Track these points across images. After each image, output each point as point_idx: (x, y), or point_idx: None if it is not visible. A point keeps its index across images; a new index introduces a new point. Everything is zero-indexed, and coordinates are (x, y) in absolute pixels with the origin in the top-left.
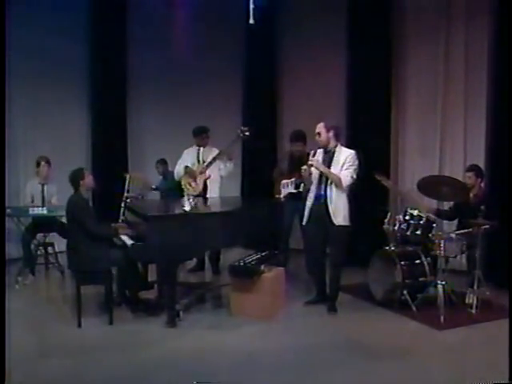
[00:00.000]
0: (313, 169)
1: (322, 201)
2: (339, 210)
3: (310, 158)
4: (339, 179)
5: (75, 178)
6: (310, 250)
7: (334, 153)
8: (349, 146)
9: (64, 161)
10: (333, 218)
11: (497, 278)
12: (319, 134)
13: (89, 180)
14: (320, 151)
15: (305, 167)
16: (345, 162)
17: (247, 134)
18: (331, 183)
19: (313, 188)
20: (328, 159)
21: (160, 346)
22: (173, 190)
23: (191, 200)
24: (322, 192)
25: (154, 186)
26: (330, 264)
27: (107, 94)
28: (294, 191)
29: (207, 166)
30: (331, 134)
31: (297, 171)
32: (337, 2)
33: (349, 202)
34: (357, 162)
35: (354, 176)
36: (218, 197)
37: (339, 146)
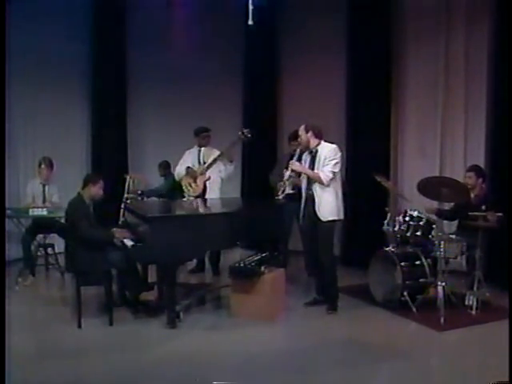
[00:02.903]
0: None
1: (310, 199)
2: (325, 206)
3: (291, 162)
4: (318, 177)
5: (87, 179)
6: (307, 251)
7: (316, 152)
8: (349, 147)
9: (64, 161)
10: (318, 214)
11: (497, 279)
12: (300, 136)
13: (96, 189)
14: (306, 153)
15: (285, 171)
16: (325, 158)
17: (249, 136)
18: (315, 181)
19: (303, 188)
20: (311, 159)
21: (160, 346)
22: (172, 191)
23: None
24: (310, 191)
25: (139, 191)
26: (323, 262)
27: (107, 94)
28: (291, 192)
29: (207, 168)
30: (310, 134)
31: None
32: (337, 2)
33: (337, 196)
34: (339, 155)
35: (336, 170)
36: (217, 198)
37: (322, 143)
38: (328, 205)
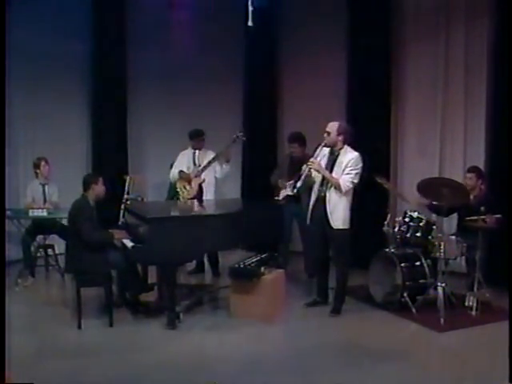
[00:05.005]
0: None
1: (321, 202)
2: (338, 213)
3: (312, 159)
4: (338, 184)
5: (88, 180)
6: (310, 252)
7: (338, 155)
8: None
9: (64, 162)
10: (330, 220)
11: (497, 280)
12: (328, 133)
13: (100, 187)
14: (326, 150)
15: (304, 167)
16: (347, 166)
17: (243, 138)
18: (331, 186)
19: (315, 189)
20: (332, 160)
21: (160, 347)
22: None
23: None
24: (322, 194)
25: (139, 198)
26: (334, 267)
27: (107, 94)
28: (291, 193)
29: (202, 170)
30: (341, 137)
31: (295, 173)
32: (337, 2)
33: (350, 206)
34: (360, 165)
35: (355, 180)
36: (217, 199)
37: (345, 147)
38: (341, 213)
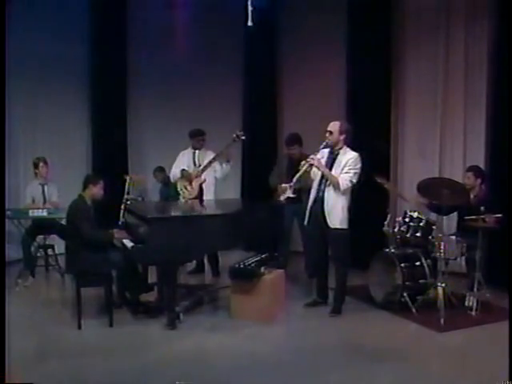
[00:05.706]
0: (313, 167)
1: (319, 202)
2: (335, 213)
3: (311, 156)
4: (337, 182)
5: (87, 180)
6: (309, 252)
7: (337, 154)
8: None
9: (64, 162)
10: (328, 220)
11: (497, 281)
12: (331, 132)
13: (97, 190)
14: (326, 151)
15: (303, 162)
16: (346, 165)
17: (243, 138)
18: (329, 185)
19: (313, 188)
20: (331, 160)
21: (160, 347)
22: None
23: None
24: (321, 193)
25: (140, 197)
26: (334, 267)
27: (107, 95)
28: (292, 196)
29: (203, 170)
30: (342, 137)
31: (295, 174)
32: (336, 2)
33: (348, 206)
34: (359, 166)
35: (354, 180)
36: (217, 199)
37: (344, 147)
38: (339, 213)
